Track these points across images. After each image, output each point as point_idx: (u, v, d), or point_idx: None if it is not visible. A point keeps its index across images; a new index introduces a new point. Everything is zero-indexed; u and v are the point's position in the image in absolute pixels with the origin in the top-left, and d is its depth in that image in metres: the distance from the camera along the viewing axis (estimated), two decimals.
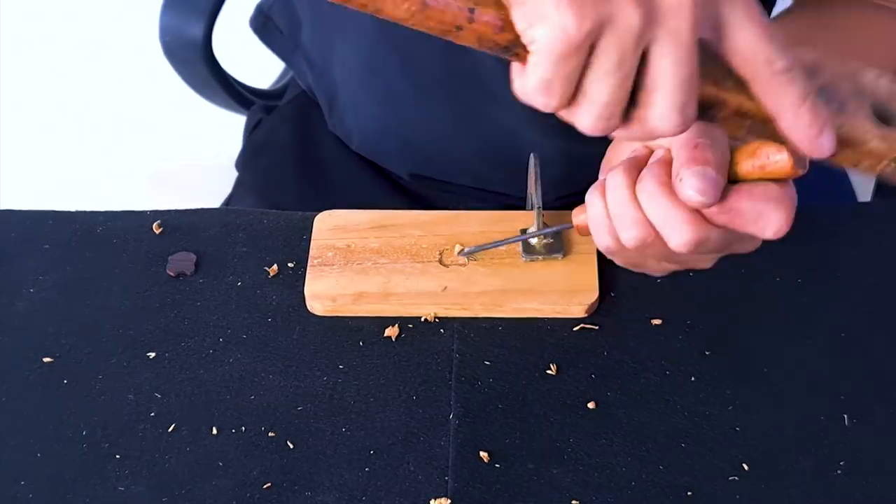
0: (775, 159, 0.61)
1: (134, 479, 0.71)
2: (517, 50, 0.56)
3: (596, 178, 0.74)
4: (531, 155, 0.83)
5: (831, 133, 0.58)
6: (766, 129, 0.59)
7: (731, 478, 0.70)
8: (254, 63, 1.31)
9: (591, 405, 0.74)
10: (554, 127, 0.98)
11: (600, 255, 0.81)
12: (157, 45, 1.11)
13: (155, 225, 0.85)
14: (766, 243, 0.82)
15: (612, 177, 0.67)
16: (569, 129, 0.82)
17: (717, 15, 0.57)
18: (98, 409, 0.75)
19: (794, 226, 0.83)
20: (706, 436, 0.72)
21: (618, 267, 0.81)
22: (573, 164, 0.92)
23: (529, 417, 0.74)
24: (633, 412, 0.74)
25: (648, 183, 0.64)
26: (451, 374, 0.76)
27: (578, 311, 0.79)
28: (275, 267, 0.82)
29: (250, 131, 1.13)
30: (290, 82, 1.13)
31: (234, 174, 1.13)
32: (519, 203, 0.89)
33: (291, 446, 0.73)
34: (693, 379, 0.75)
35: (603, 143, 0.73)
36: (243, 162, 1.10)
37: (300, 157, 1.05)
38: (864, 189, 1.25)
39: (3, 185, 1.90)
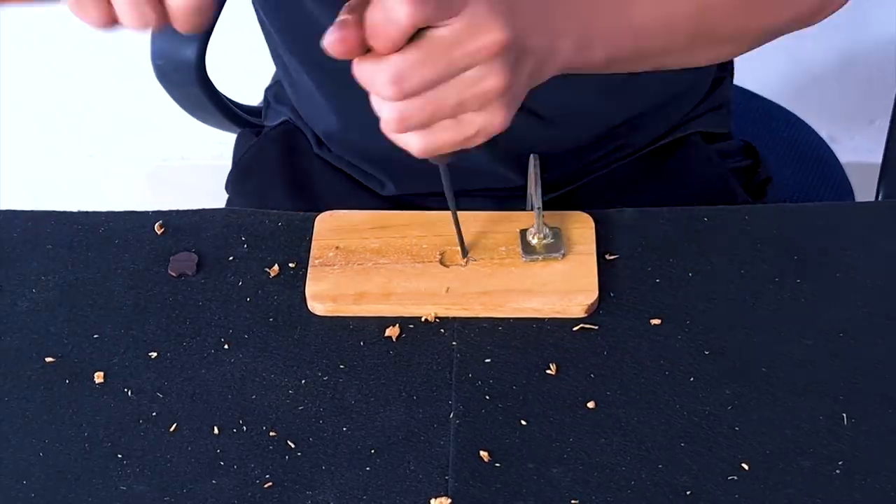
0: None
1: (136, 479, 0.71)
2: None
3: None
4: (531, 156, 0.83)
5: None
6: None
7: (730, 477, 0.71)
8: (241, 79, 1.30)
9: (590, 405, 0.74)
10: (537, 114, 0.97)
11: (600, 256, 0.82)
12: None
13: (157, 225, 0.85)
14: (767, 244, 0.83)
15: None
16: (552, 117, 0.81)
17: None
18: (100, 409, 0.75)
19: (793, 225, 0.84)
20: (705, 435, 0.72)
21: (618, 267, 0.82)
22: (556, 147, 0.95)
23: (529, 417, 0.74)
24: (632, 412, 0.74)
25: None
26: (451, 374, 0.76)
27: (578, 311, 0.79)
28: (276, 267, 0.83)
29: (240, 155, 1.13)
30: (270, 109, 1.13)
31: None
32: (513, 195, 0.89)
33: (292, 446, 0.73)
34: (692, 379, 0.75)
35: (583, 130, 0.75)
36: (232, 184, 1.11)
37: (289, 177, 1.05)
38: (863, 189, 1.25)
39: (4, 186, 1.90)
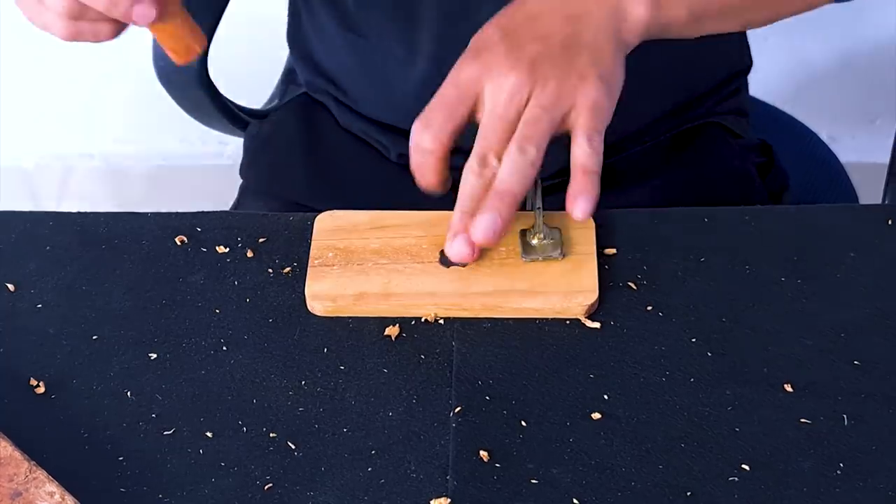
0: None
1: (135, 481, 0.71)
2: None
3: None
4: None
5: None
6: None
7: (730, 478, 0.71)
8: (244, 82, 1.30)
9: (590, 405, 0.74)
10: None
11: (600, 255, 0.82)
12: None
13: (156, 226, 0.85)
14: (767, 244, 0.83)
15: None
16: None
17: None
18: (99, 411, 0.75)
19: (794, 226, 0.84)
20: (706, 436, 0.72)
21: (618, 266, 0.82)
22: None
23: (529, 417, 0.74)
24: (632, 412, 0.74)
25: None
26: (451, 373, 0.76)
27: (578, 311, 0.79)
28: (275, 267, 0.82)
29: (256, 132, 1.12)
30: (284, 93, 1.13)
31: (235, 174, 1.13)
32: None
33: (292, 446, 0.73)
34: (692, 379, 0.75)
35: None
36: (247, 164, 1.10)
37: (307, 148, 1.05)
38: (866, 189, 1.25)
39: (4, 186, 1.90)
